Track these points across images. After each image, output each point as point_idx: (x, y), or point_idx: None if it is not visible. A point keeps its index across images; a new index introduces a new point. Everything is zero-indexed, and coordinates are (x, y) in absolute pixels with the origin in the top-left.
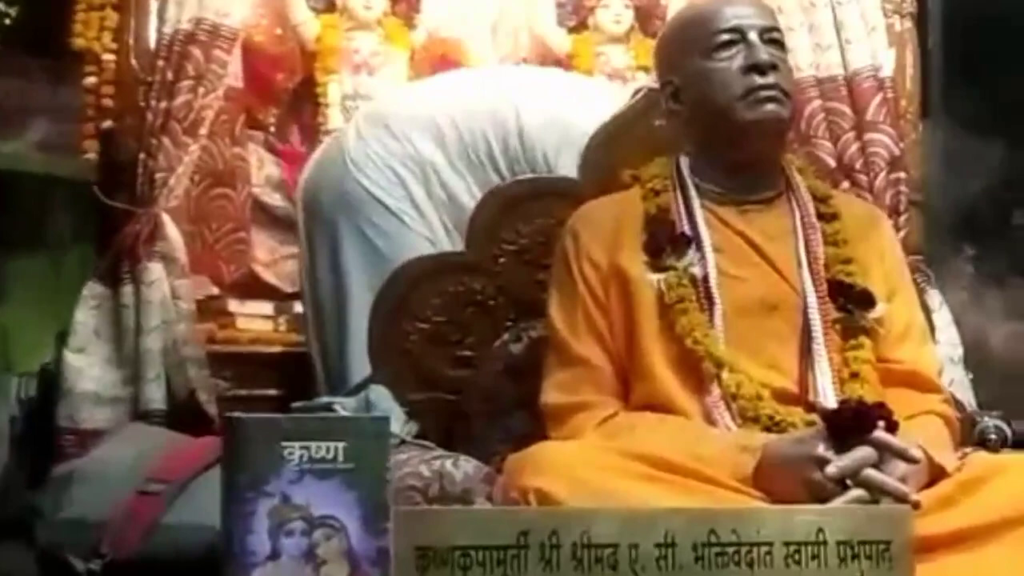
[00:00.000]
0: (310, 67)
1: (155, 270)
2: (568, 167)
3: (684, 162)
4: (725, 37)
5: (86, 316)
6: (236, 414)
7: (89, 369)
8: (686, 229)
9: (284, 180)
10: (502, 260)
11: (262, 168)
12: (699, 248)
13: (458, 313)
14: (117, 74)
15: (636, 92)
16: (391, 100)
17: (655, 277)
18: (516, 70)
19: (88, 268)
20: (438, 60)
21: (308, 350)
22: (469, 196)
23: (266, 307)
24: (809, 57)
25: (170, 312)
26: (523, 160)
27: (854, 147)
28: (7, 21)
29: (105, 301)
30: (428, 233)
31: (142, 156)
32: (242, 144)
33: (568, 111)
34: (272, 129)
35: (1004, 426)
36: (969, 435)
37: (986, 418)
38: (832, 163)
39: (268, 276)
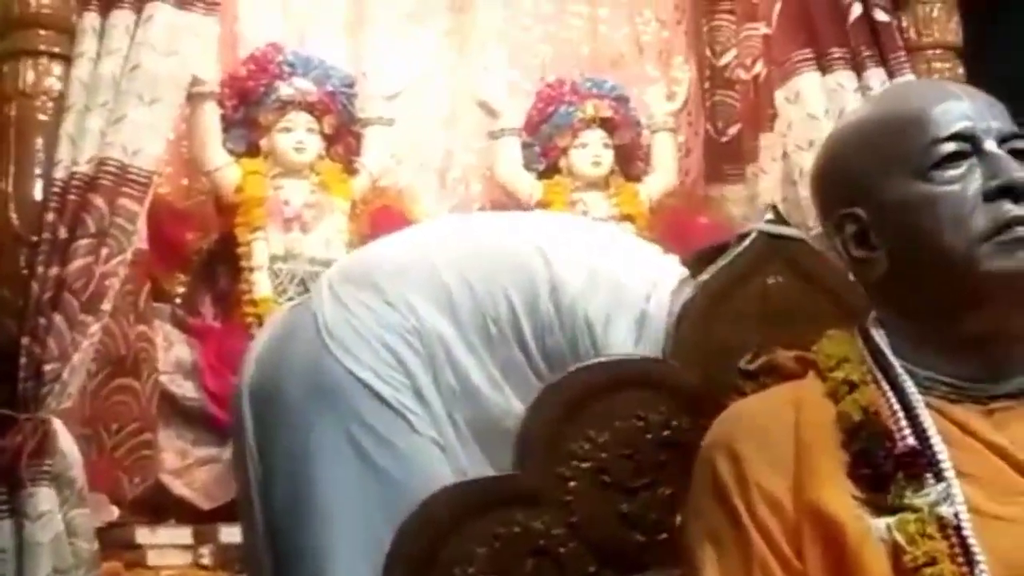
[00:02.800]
0: (228, 223)
1: (45, 498)
2: (622, 341)
3: (879, 336)
4: (951, 147)
5: None
6: None
7: None
8: (910, 440)
9: (196, 363)
10: (572, 484)
11: (170, 349)
12: (938, 474)
13: (515, 568)
14: None
15: (740, 237)
16: (375, 253)
17: (881, 523)
18: (534, 215)
19: None
20: (379, 212)
21: None
22: (487, 380)
23: (182, 533)
24: None
25: (65, 556)
26: (558, 329)
27: None
28: None
29: None
30: (438, 436)
31: (25, 341)
32: (147, 321)
33: (612, 263)
34: (178, 300)
35: None
36: None
37: None
38: None
39: (179, 488)
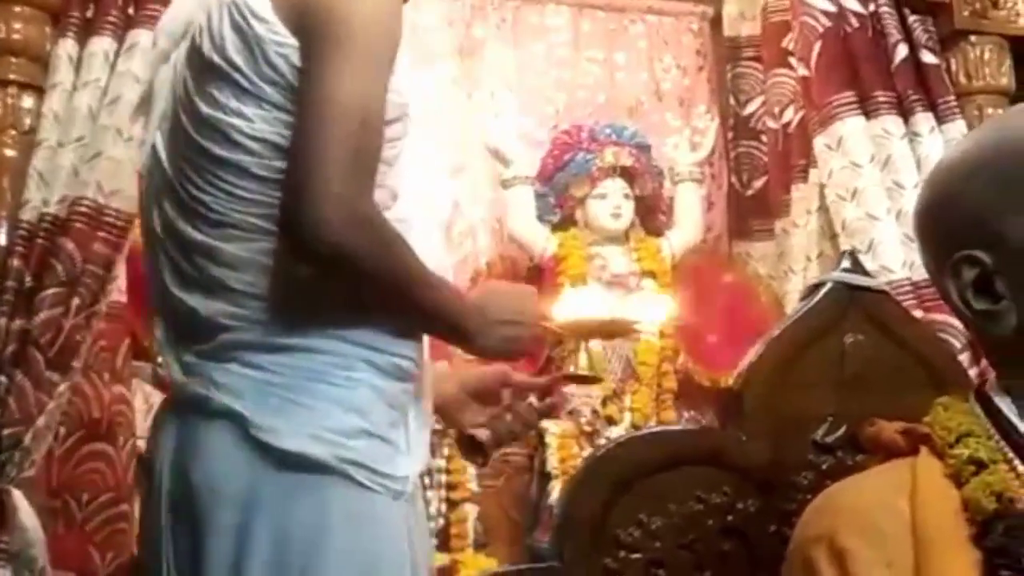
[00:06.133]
0: None
1: None
2: None
3: (1005, 405)
4: None
5: None
6: None
7: None
8: None
9: None
10: None
11: (149, 412)
12: None
13: None
14: None
15: (811, 289)
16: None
17: None
18: None
19: None
20: None
21: None
22: None
23: None
24: (900, 254)
25: None
26: None
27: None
28: None
29: None
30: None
31: None
32: (125, 380)
33: None
34: (160, 359)
35: None
36: None
37: None
38: None
39: None
